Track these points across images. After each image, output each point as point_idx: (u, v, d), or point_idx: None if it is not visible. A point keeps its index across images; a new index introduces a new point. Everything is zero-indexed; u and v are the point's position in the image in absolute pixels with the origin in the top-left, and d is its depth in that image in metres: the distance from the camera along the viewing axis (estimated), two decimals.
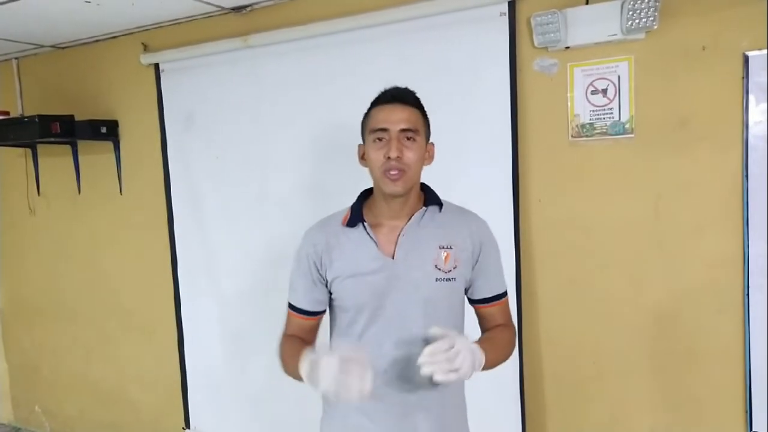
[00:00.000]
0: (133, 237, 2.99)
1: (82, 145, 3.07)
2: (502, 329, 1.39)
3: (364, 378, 1.09)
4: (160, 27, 2.72)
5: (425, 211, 1.34)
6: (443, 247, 1.31)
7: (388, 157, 1.26)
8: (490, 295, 1.38)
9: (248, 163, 2.59)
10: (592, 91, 1.95)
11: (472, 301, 1.40)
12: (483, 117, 2.10)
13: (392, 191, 1.28)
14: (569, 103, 1.99)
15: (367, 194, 1.40)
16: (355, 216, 1.34)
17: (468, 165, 2.14)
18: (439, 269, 1.30)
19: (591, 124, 1.97)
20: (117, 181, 2.99)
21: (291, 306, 1.42)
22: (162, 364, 2.98)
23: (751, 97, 1.77)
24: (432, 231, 1.33)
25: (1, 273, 3.57)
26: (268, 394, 2.69)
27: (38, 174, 3.28)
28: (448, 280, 1.30)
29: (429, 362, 1.11)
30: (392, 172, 1.26)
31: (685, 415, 1.94)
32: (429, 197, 1.37)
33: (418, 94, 1.36)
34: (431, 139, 1.40)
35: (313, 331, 1.42)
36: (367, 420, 1.33)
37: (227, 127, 2.62)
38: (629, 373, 2.00)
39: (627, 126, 1.92)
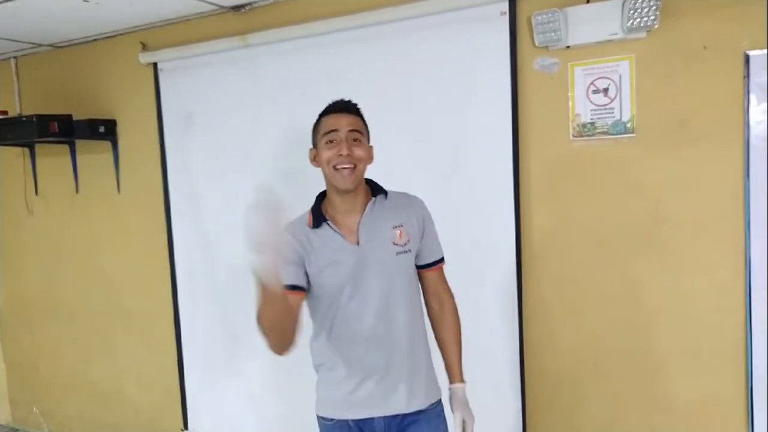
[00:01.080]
0: (132, 236, 2.99)
1: (80, 144, 3.06)
2: (447, 311, 1.67)
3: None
4: (159, 26, 2.71)
5: (375, 201, 1.58)
6: (396, 227, 1.56)
7: (340, 155, 1.48)
8: (432, 260, 1.65)
9: (246, 162, 2.58)
10: (593, 90, 1.95)
11: (418, 267, 1.64)
12: (483, 116, 2.09)
13: (344, 186, 1.50)
14: (570, 103, 1.99)
15: (322, 196, 1.60)
16: (318, 217, 1.55)
17: (468, 164, 2.13)
18: (397, 244, 1.55)
19: (592, 124, 1.96)
20: (115, 180, 2.98)
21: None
22: (160, 365, 2.97)
23: (752, 97, 1.76)
24: (384, 215, 1.56)
25: None
26: (267, 395, 2.69)
27: (36, 174, 3.27)
28: (405, 252, 1.56)
29: None
30: (344, 170, 1.48)
31: (685, 415, 1.93)
32: (375, 189, 1.60)
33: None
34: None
35: (298, 310, 1.50)
36: (352, 382, 1.55)
37: (226, 127, 2.61)
38: (629, 374, 2.00)
39: (628, 125, 1.92)
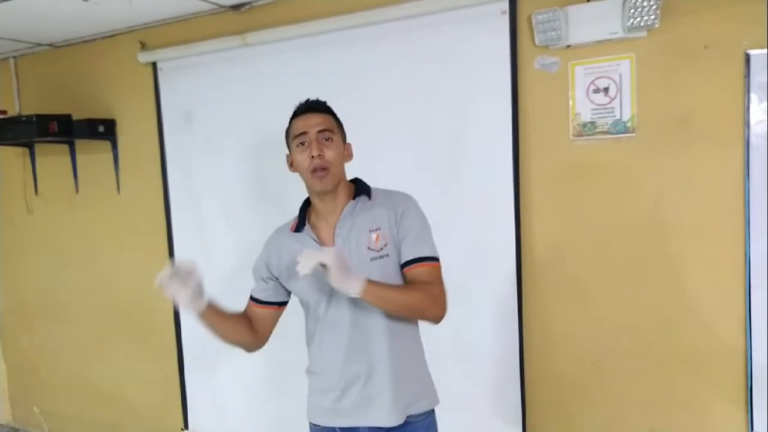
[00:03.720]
0: (131, 236, 2.98)
1: (79, 144, 3.06)
2: (424, 283, 1.45)
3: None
4: (158, 25, 2.70)
5: (356, 202, 1.50)
6: (373, 230, 1.46)
7: (312, 157, 1.43)
8: (411, 257, 1.46)
9: (246, 161, 2.58)
10: (594, 89, 1.94)
11: (401, 268, 1.48)
12: (484, 116, 2.09)
13: (321, 188, 1.46)
14: (570, 102, 1.98)
15: (309, 200, 1.57)
16: (300, 222, 1.54)
17: (469, 164, 2.13)
18: (372, 249, 1.45)
19: (592, 123, 1.96)
20: (115, 180, 2.98)
21: (249, 297, 1.65)
22: (160, 364, 2.97)
23: (753, 96, 1.76)
24: (363, 218, 1.48)
25: None
26: (267, 395, 2.68)
27: (36, 173, 3.27)
28: (381, 257, 1.45)
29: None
30: (318, 172, 1.43)
31: (685, 415, 1.93)
32: (358, 189, 1.52)
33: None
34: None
35: (263, 320, 1.62)
36: (336, 390, 1.51)
37: (225, 126, 2.60)
38: (629, 373, 2.00)
39: (628, 125, 1.91)
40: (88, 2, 2.30)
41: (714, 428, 1.90)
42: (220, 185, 2.67)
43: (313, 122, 1.46)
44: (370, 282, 1.34)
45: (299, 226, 1.53)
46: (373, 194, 1.52)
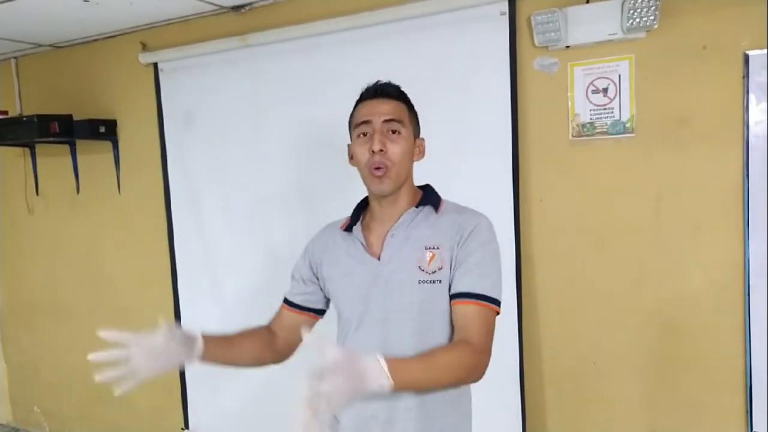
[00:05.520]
0: (132, 236, 2.99)
1: (80, 144, 3.06)
2: (456, 345, 1.18)
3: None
4: (159, 26, 2.71)
5: (418, 211, 1.29)
6: (429, 248, 1.24)
7: (373, 152, 1.22)
8: (463, 290, 1.21)
9: (247, 162, 2.58)
10: (593, 90, 1.95)
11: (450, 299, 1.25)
12: (483, 116, 2.09)
13: (378, 190, 1.25)
14: (570, 103, 1.99)
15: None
16: (352, 221, 1.34)
17: (468, 164, 2.13)
18: (423, 270, 1.23)
19: (591, 124, 1.96)
20: (116, 180, 2.98)
21: (283, 299, 1.45)
22: None
23: (752, 97, 1.77)
24: (422, 232, 1.27)
25: None
26: (267, 394, 2.69)
27: (37, 173, 3.27)
28: (432, 282, 1.22)
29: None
30: (377, 170, 1.22)
31: (684, 415, 1.94)
32: (425, 197, 1.32)
33: (417, 93, 1.34)
34: (423, 135, 1.36)
35: (293, 328, 1.37)
36: (353, 429, 1.29)
37: (226, 127, 2.61)
38: (629, 374, 2.00)
39: (627, 125, 1.92)
40: (89, 3, 2.30)
41: (714, 428, 1.90)
42: (220, 185, 2.67)
43: (379, 110, 1.23)
44: (393, 364, 1.00)
45: (351, 224, 1.33)
46: (443, 207, 1.31)
